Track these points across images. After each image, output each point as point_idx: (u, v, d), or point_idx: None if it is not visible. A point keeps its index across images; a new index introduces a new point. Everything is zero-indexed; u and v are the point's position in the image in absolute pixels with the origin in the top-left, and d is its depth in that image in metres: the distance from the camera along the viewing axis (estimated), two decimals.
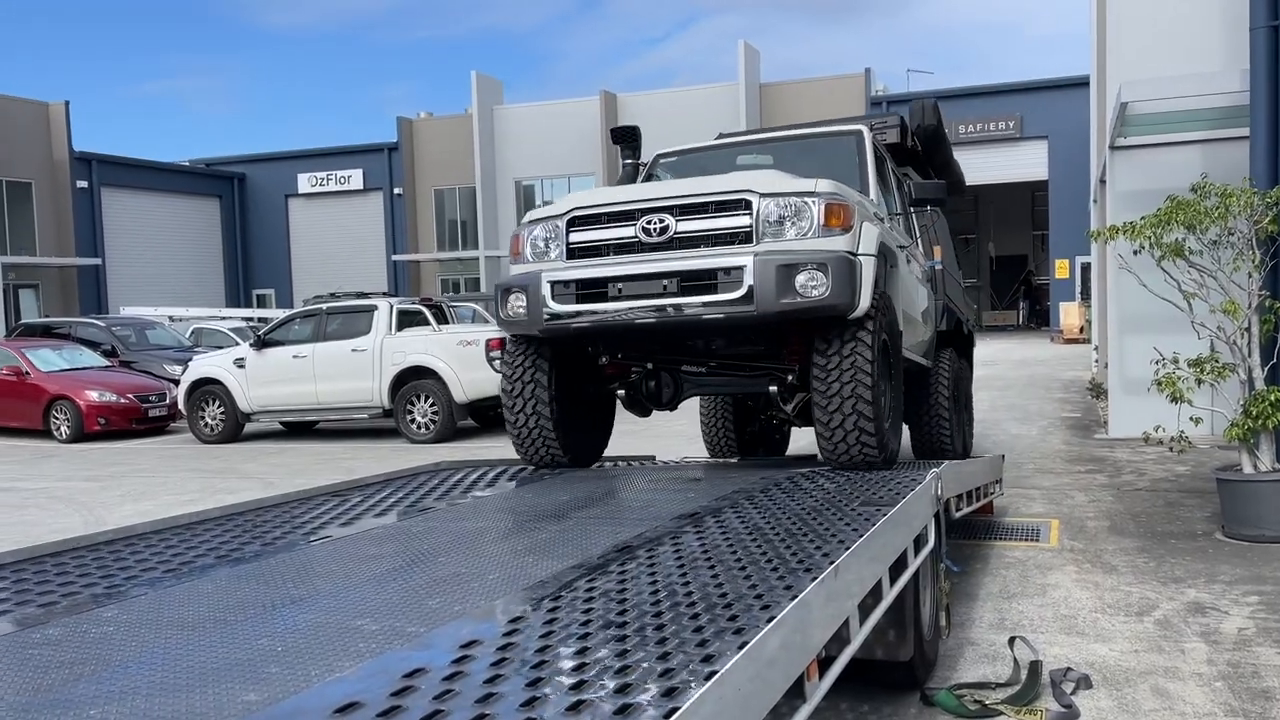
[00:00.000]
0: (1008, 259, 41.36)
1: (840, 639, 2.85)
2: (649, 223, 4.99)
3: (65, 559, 3.46)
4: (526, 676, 2.06)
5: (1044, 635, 4.94)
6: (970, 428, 9.10)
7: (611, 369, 5.91)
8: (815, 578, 2.71)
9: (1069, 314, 29.21)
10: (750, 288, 4.74)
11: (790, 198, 4.89)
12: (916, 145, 8.04)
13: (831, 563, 2.85)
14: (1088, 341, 22.64)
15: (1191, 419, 6.84)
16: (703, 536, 3.50)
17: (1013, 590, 5.74)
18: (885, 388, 5.23)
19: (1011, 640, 4.53)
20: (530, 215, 5.45)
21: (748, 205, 4.90)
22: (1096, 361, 16.63)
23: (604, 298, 5.01)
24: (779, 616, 2.33)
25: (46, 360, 16.33)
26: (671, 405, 5.89)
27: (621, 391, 5.91)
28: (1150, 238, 6.98)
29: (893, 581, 3.52)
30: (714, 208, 4.96)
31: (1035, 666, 4.28)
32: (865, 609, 3.15)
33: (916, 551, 4.00)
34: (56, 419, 15.48)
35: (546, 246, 5.27)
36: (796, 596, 2.51)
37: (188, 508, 8.52)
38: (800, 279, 4.74)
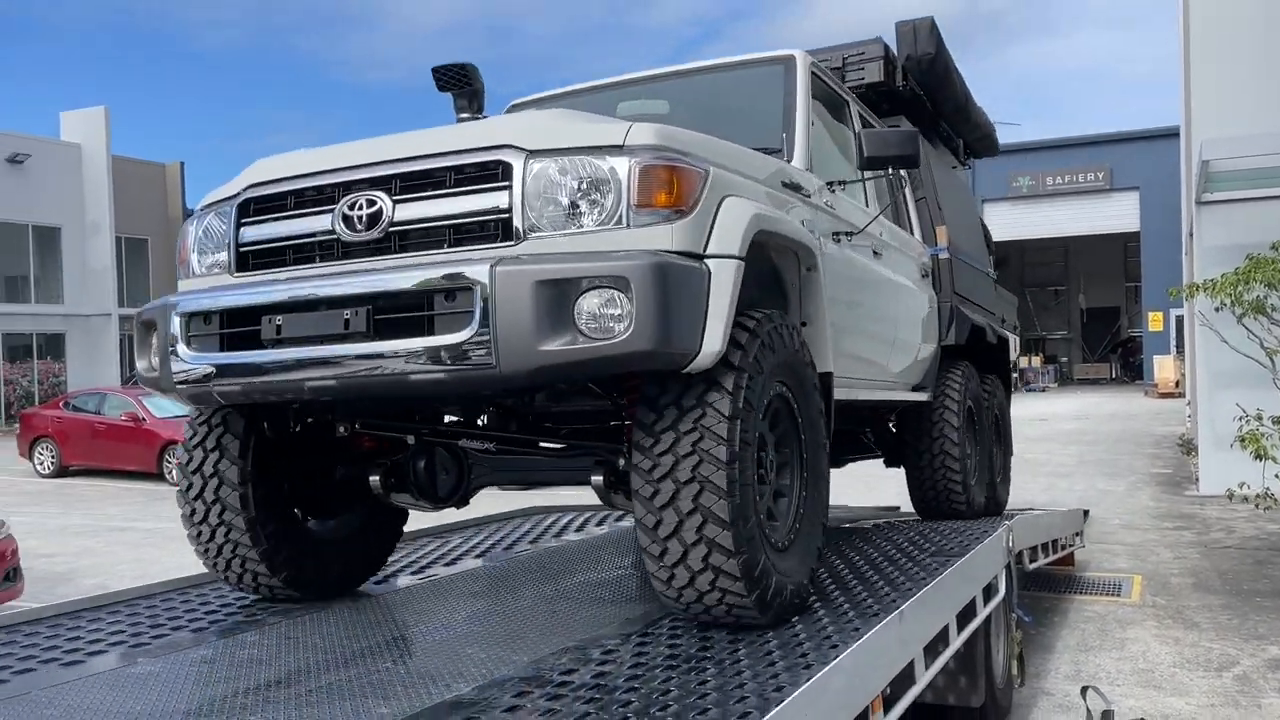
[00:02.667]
0: (1100, 311, 40.60)
1: (906, 678, 3.06)
2: (354, 205, 3.02)
3: (173, 596, 3.88)
4: (619, 700, 2.36)
5: (1120, 688, 5.02)
6: (1006, 474, 6.70)
7: (368, 441, 3.92)
8: (882, 621, 2.94)
9: (1163, 368, 28.55)
10: (486, 324, 2.71)
11: (579, 157, 2.86)
12: (912, 86, 5.93)
13: (898, 608, 3.07)
14: (1183, 396, 22.15)
15: (1277, 476, 6.83)
16: None
17: (1091, 643, 5.81)
18: (784, 488, 3.31)
19: (1084, 690, 4.63)
20: (207, 197, 3.46)
21: (507, 172, 2.88)
22: (1190, 417, 16.33)
23: (257, 342, 3.05)
24: (841, 656, 2.59)
25: (161, 407, 17.24)
26: (457, 499, 3.79)
27: (375, 478, 3.74)
28: (1231, 295, 7.05)
29: (960, 628, 3.71)
30: (455, 177, 2.95)
31: (1107, 716, 4.38)
32: (934, 652, 3.36)
33: (986, 601, 4.17)
34: (169, 462, 16.31)
35: (219, 247, 3.32)
36: (862, 638, 2.75)
37: None
38: (583, 306, 2.71)
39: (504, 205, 2.86)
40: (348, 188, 3.06)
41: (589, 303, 2.71)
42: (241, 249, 3.24)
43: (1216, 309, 7.26)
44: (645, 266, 2.69)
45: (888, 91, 5.76)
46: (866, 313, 4.44)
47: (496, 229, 2.88)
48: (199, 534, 3.63)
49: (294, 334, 2.97)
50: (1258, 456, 6.75)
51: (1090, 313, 40.98)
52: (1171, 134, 24.93)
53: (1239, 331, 7.21)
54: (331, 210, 3.06)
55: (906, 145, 4.03)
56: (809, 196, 3.83)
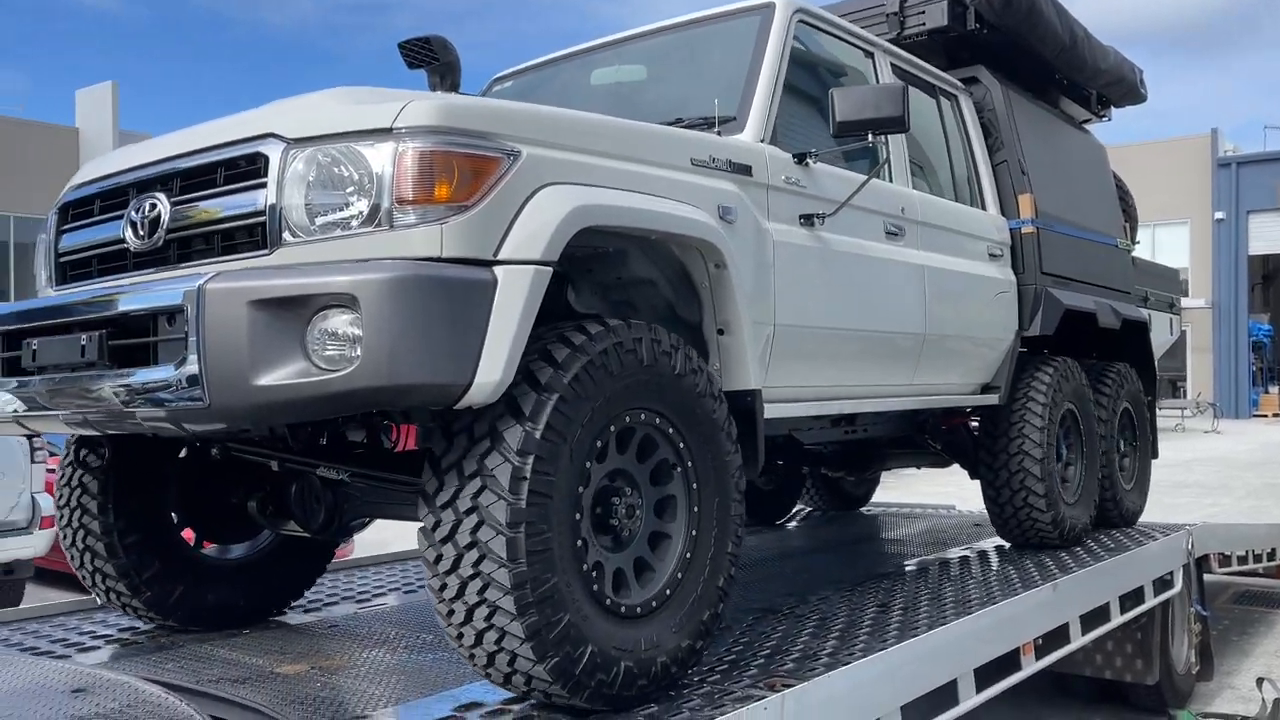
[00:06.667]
0: None
1: (1060, 636, 3.85)
2: (139, 209, 2.70)
3: None
4: (832, 615, 3.34)
5: None
6: (1142, 480, 5.87)
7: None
8: (1038, 588, 3.77)
9: None
10: (196, 357, 2.31)
11: (341, 145, 2.42)
12: (984, 29, 4.98)
13: (1054, 580, 3.89)
14: None
15: None
16: (974, 561, 4.63)
17: None
18: (662, 543, 2.73)
19: (1259, 681, 5.12)
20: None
21: (266, 167, 2.48)
22: None
23: (19, 369, 2.80)
24: (997, 605, 3.47)
25: None
26: (333, 530, 3.34)
27: (253, 504, 3.47)
28: None
29: (1124, 610, 4.40)
30: (225, 174, 2.59)
31: (1278, 704, 4.89)
32: (1092, 623, 4.11)
33: (1158, 592, 4.78)
34: None
35: (49, 257, 3.09)
36: (1012, 598, 3.61)
37: None
38: (317, 331, 2.28)
39: (259, 206, 2.46)
40: (140, 188, 2.73)
41: (324, 326, 2.27)
42: (60, 259, 2.97)
43: None
44: (379, 281, 2.22)
45: (960, 37, 4.97)
46: (862, 308, 3.73)
47: (256, 235, 2.48)
48: (71, 559, 3.42)
49: (46, 361, 2.67)
50: None
51: None
52: None
53: None
54: (123, 215, 2.74)
55: (887, 104, 3.26)
56: (750, 174, 3.21)
